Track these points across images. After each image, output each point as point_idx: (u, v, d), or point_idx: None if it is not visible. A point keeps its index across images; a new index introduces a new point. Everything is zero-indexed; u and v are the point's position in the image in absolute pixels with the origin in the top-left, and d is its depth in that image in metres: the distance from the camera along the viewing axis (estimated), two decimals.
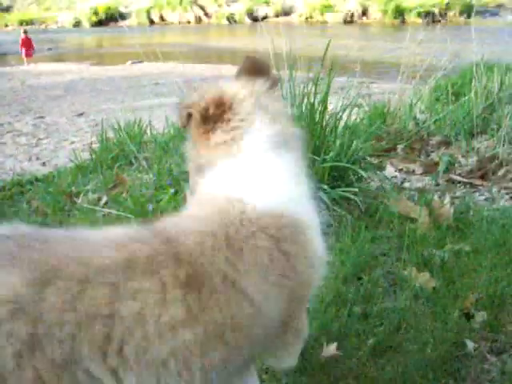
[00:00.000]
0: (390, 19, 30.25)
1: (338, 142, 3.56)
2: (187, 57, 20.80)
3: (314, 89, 3.52)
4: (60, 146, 8.83)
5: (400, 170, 4.42)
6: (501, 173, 4.22)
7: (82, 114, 11.48)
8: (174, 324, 1.32)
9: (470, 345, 2.31)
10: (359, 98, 4.82)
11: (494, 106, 5.30)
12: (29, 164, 7.66)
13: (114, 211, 3.91)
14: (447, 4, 29.82)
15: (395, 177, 4.27)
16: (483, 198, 3.93)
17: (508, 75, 5.87)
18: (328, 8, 32.85)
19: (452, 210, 3.44)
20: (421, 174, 4.36)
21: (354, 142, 3.66)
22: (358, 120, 4.71)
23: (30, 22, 42.70)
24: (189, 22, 38.76)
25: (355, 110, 4.61)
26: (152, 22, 39.51)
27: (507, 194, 3.95)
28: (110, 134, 5.76)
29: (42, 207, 4.27)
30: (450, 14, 29.61)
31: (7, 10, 47.74)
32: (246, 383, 1.79)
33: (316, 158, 3.33)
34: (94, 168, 5.21)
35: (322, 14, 33.03)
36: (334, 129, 3.67)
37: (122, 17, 39.13)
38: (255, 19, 34.22)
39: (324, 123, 3.56)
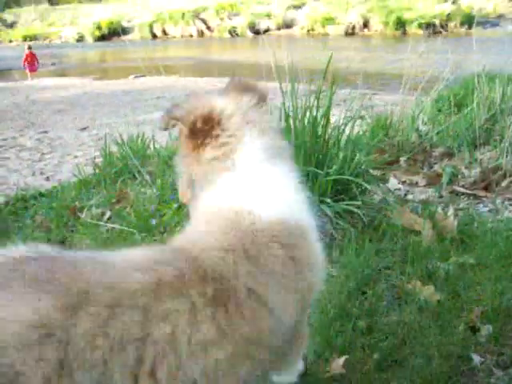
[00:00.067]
0: (392, 31, 30.34)
1: (340, 155, 3.56)
2: (189, 70, 20.88)
3: (316, 102, 3.53)
4: (63, 161, 8.85)
5: (403, 182, 4.41)
6: (504, 184, 4.21)
7: (85, 129, 11.51)
8: (206, 343, 1.33)
9: (476, 359, 2.29)
10: (362, 110, 4.83)
11: (496, 117, 5.29)
12: (33, 179, 7.67)
13: (117, 226, 3.92)
14: (448, 15, 29.90)
15: (398, 189, 4.27)
16: (487, 209, 3.91)
17: (510, 86, 5.86)
18: (329, 20, 32.97)
19: (456, 222, 3.42)
20: (424, 185, 4.35)
21: (357, 155, 3.66)
22: (361, 132, 4.72)
23: (33, 38, 42.99)
24: (191, 36, 38.97)
25: (358, 122, 4.61)
26: (154, 36, 39.75)
27: (511, 205, 3.94)
28: (114, 149, 5.77)
29: (45, 222, 4.27)
30: (451, 24, 29.67)
31: (11, 25, 48.13)
32: None
33: (319, 171, 3.33)
34: (98, 183, 5.22)
35: (323, 26, 33.14)
36: (336, 142, 3.67)
37: (125, 31, 39.37)
38: (257, 32, 34.40)
39: (326, 137, 3.56)
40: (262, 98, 1.74)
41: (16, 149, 10.10)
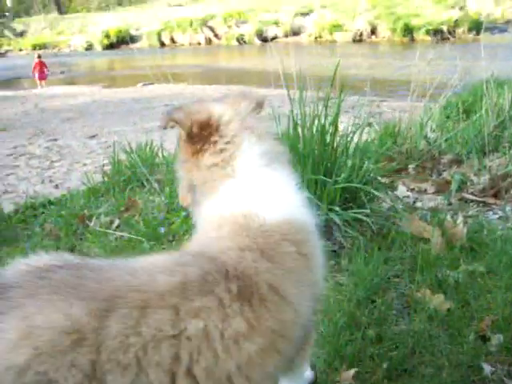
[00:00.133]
0: (399, 37, 30.31)
1: (349, 163, 3.55)
2: (198, 78, 20.95)
3: (324, 110, 3.53)
4: (72, 169, 8.89)
5: (412, 190, 4.39)
6: None
7: (94, 137, 11.57)
8: (237, 337, 1.37)
9: (487, 368, 2.27)
10: (370, 117, 4.83)
11: (505, 124, 5.27)
12: (42, 187, 7.71)
13: (126, 234, 3.93)
14: (456, 21, 29.86)
15: (407, 196, 4.25)
16: (496, 216, 3.89)
17: None
18: (337, 27, 33.01)
19: (465, 230, 3.40)
20: (433, 193, 4.33)
21: (366, 163, 3.65)
22: (369, 140, 4.71)
23: (43, 46, 43.30)
24: (199, 44, 39.12)
25: (366, 129, 4.61)
26: (163, 44, 39.91)
27: None
28: (122, 157, 5.80)
29: (54, 230, 4.29)
30: (459, 31, 29.61)
31: (21, 34, 48.55)
32: None
33: (328, 179, 3.32)
34: (106, 191, 5.24)
35: (331, 33, 33.18)
36: (345, 150, 3.66)
37: (133, 39, 39.59)
38: (265, 40, 34.47)
39: (335, 145, 3.55)
40: (259, 105, 1.79)
41: (26, 157, 10.17)
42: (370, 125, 5.42)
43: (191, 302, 1.34)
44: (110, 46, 41.16)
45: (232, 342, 1.36)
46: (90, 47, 42.36)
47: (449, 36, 29.20)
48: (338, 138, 3.64)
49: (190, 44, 39.24)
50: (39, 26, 49.14)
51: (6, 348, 1.19)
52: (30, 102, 18.13)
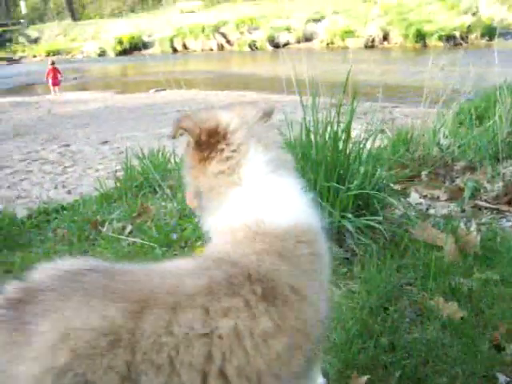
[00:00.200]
0: (412, 43, 30.20)
1: (361, 170, 3.54)
2: (210, 84, 21.03)
3: (337, 117, 3.52)
4: (85, 174, 8.95)
5: (425, 197, 4.37)
6: None
7: (106, 142, 11.64)
8: (266, 335, 1.41)
9: (502, 378, 2.25)
10: (382, 123, 4.81)
11: None
12: (55, 192, 7.77)
13: (138, 240, 3.94)
14: (468, 27, 29.72)
15: (420, 203, 4.23)
16: (510, 224, 3.86)
17: None
18: (349, 33, 32.95)
19: (479, 238, 3.38)
20: (446, 200, 4.31)
21: (378, 170, 3.64)
22: (382, 147, 4.70)
23: (56, 53, 43.57)
24: (211, 50, 39.21)
25: (379, 136, 4.59)
26: (175, 50, 40.05)
27: None
28: (135, 162, 5.82)
29: (67, 236, 4.31)
30: (472, 36, 29.47)
31: (35, 41, 48.98)
32: None
33: (340, 186, 3.31)
34: (119, 196, 5.26)
35: (342, 39, 33.13)
36: (357, 157, 3.66)
37: (146, 46, 39.76)
38: (276, 46, 34.48)
39: (348, 151, 3.55)
40: (267, 114, 1.81)
41: (39, 162, 10.26)
42: (382, 131, 5.40)
43: (220, 303, 1.38)
44: (123, 52, 41.38)
45: (261, 341, 1.39)
46: (102, 53, 42.59)
47: (461, 42, 29.06)
48: (351, 145, 3.63)
49: (203, 50, 39.36)
50: (53, 33, 49.54)
51: (45, 350, 1.21)
52: (44, 107, 18.28)
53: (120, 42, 41.93)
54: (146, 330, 1.28)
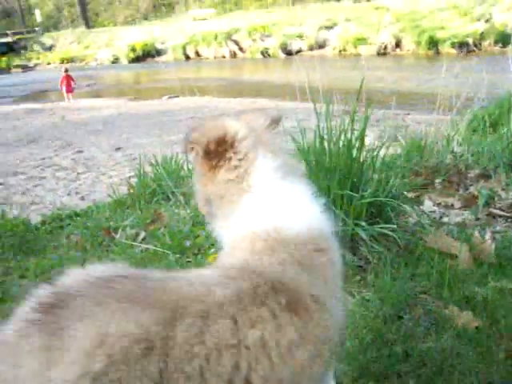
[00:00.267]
0: (424, 50, 30.10)
1: (375, 178, 3.54)
2: (222, 91, 21.08)
3: (351, 125, 3.52)
4: (98, 181, 9.01)
5: (438, 205, 4.35)
6: None
7: (119, 149, 11.71)
8: (291, 345, 1.42)
9: None
10: (396, 131, 4.80)
11: None
12: (68, 198, 7.82)
13: (151, 247, 3.95)
14: (481, 34, 29.58)
15: (434, 211, 4.21)
16: None
17: None
18: (361, 41, 32.92)
19: (493, 246, 3.36)
20: (460, 208, 4.28)
21: (392, 178, 3.63)
22: (395, 154, 4.68)
23: (70, 60, 43.96)
24: (224, 57, 39.32)
25: (392, 143, 4.58)
26: (188, 57, 40.21)
27: None
28: (148, 169, 5.85)
29: (81, 242, 4.33)
30: (485, 43, 29.33)
31: (50, 48, 49.44)
32: None
33: (354, 194, 3.31)
34: (132, 203, 5.28)
35: (355, 46, 33.09)
36: (371, 164, 3.65)
37: (159, 53, 39.98)
38: (289, 53, 34.52)
39: (361, 159, 3.54)
40: (275, 121, 1.82)
41: (52, 168, 10.34)
42: (395, 139, 5.39)
43: (247, 313, 1.38)
44: (136, 60, 41.62)
45: (286, 351, 1.40)
46: (116, 60, 42.87)
47: (475, 49, 28.93)
48: (365, 153, 3.63)
49: (215, 57, 39.50)
50: (67, 40, 49.98)
51: (82, 355, 1.21)
52: (58, 114, 18.43)
53: (133, 50, 42.19)
54: (179, 338, 1.28)
